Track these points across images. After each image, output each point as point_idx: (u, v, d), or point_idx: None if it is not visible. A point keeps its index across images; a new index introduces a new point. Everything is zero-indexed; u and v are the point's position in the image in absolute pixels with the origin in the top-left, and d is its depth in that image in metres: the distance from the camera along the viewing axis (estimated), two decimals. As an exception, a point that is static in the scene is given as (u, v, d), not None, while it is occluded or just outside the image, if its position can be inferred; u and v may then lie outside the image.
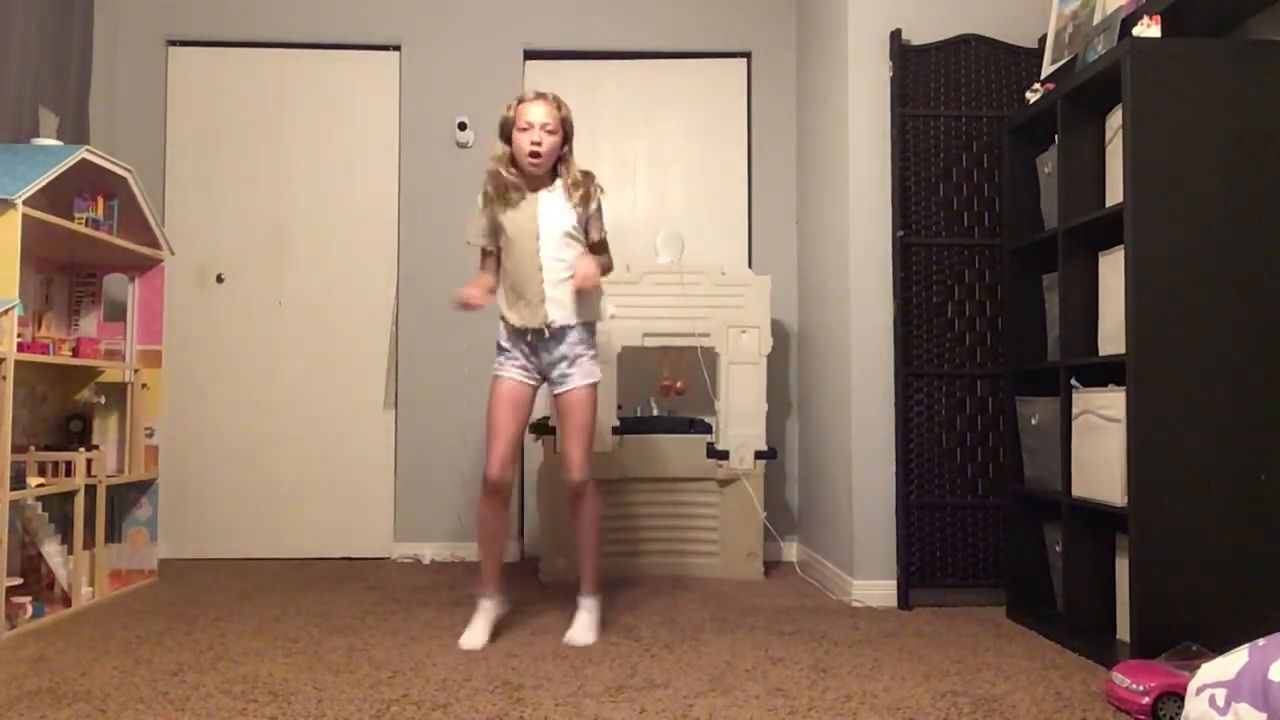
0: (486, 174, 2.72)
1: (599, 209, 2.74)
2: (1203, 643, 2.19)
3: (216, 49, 4.21)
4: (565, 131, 2.70)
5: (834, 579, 3.45)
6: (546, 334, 2.67)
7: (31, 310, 3.25)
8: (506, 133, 2.69)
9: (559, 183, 2.71)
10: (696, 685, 2.27)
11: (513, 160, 2.70)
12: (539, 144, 2.63)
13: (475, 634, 2.64)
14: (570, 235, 2.68)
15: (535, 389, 2.77)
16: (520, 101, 2.68)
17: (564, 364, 2.70)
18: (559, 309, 2.66)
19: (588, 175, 2.73)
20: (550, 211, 2.68)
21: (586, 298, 2.71)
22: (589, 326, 2.75)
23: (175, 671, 2.35)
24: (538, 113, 2.64)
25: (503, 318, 2.74)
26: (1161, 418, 2.37)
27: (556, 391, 2.74)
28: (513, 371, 2.72)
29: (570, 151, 2.73)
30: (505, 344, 2.75)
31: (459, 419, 4.13)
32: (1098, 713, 2.09)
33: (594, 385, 2.74)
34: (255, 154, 4.20)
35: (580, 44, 4.26)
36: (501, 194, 2.69)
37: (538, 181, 2.71)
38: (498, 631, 2.74)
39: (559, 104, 2.69)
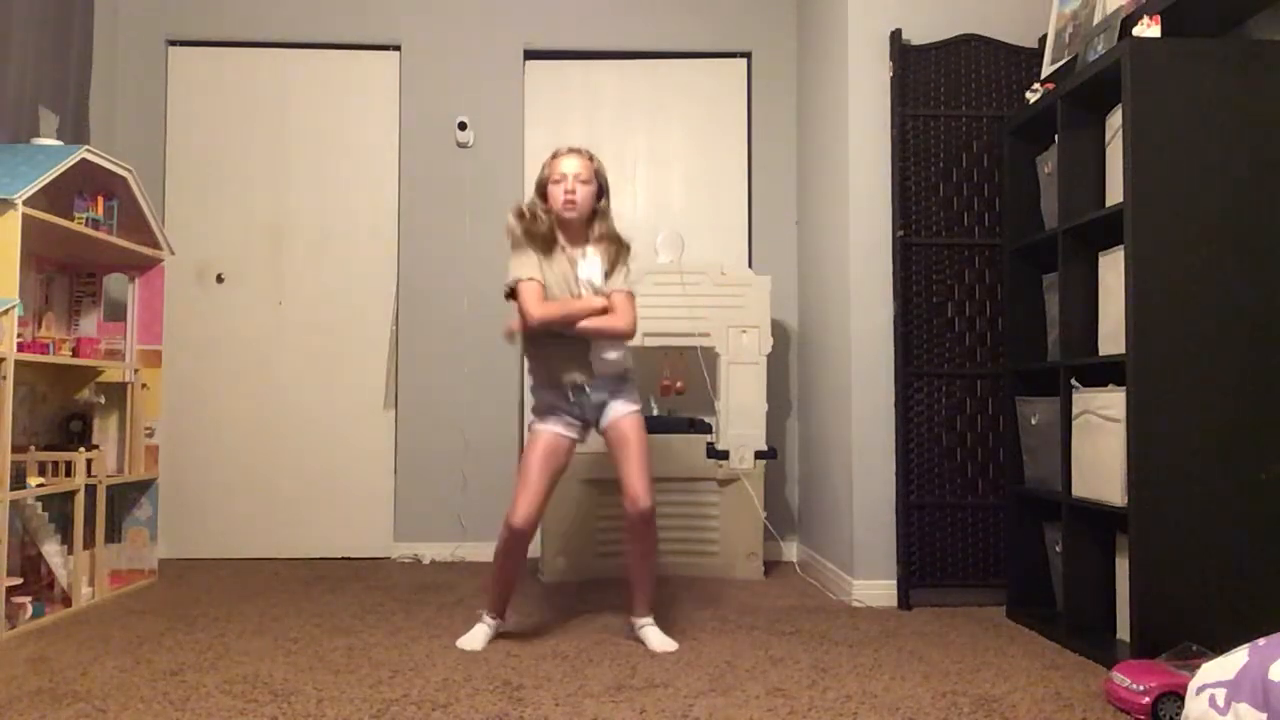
0: (516, 223, 2.67)
1: (623, 269, 2.71)
2: (1203, 643, 2.19)
3: (216, 49, 4.21)
4: (599, 183, 2.70)
5: (834, 579, 3.45)
6: (585, 390, 2.65)
7: (31, 310, 3.25)
8: (542, 188, 2.70)
9: (593, 239, 2.70)
10: (696, 685, 2.27)
11: (548, 211, 2.69)
12: (573, 192, 2.64)
13: (475, 640, 2.64)
14: (601, 292, 2.67)
15: (576, 442, 2.71)
16: (554, 156, 2.69)
17: (604, 403, 2.67)
18: (595, 363, 2.64)
19: (624, 246, 2.72)
20: (587, 269, 2.68)
21: (613, 352, 2.68)
22: (624, 373, 2.73)
23: (175, 671, 2.35)
24: (571, 165, 2.66)
25: (539, 384, 2.69)
26: (1161, 418, 2.37)
27: (603, 427, 2.70)
28: (554, 425, 2.67)
29: (607, 205, 2.73)
30: (543, 406, 2.68)
31: (459, 419, 4.13)
32: (1098, 713, 2.09)
33: (638, 412, 2.70)
34: (255, 154, 4.20)
35: (580, 44, 4.26)
36: (539, 243, 2.65)
37: (574, 236, 2.70)
38: (498, 631, 2.74)
39: (591, 157, 2.71)
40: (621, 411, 2.67)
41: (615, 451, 2.68)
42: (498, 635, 2.70)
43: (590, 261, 2.69)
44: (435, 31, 4.22)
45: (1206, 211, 2.39)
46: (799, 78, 4.19)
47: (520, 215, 2.68)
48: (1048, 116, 2.88)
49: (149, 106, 4.16)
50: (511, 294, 2.65)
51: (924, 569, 3.21)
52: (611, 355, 2.67)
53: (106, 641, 2.64)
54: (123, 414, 3.45)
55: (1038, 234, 2.99)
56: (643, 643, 2.64)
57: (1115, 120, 2.60)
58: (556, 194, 2.65)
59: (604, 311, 2.63)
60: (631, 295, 2.71)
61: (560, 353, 2.65)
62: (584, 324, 2.62)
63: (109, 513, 3.32)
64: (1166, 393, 2.37)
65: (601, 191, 2.72)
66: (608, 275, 2.69)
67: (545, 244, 2.65)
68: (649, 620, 2.70)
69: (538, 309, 2.60)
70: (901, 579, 3.18)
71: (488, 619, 2.69)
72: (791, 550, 4.08)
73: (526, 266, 2.63)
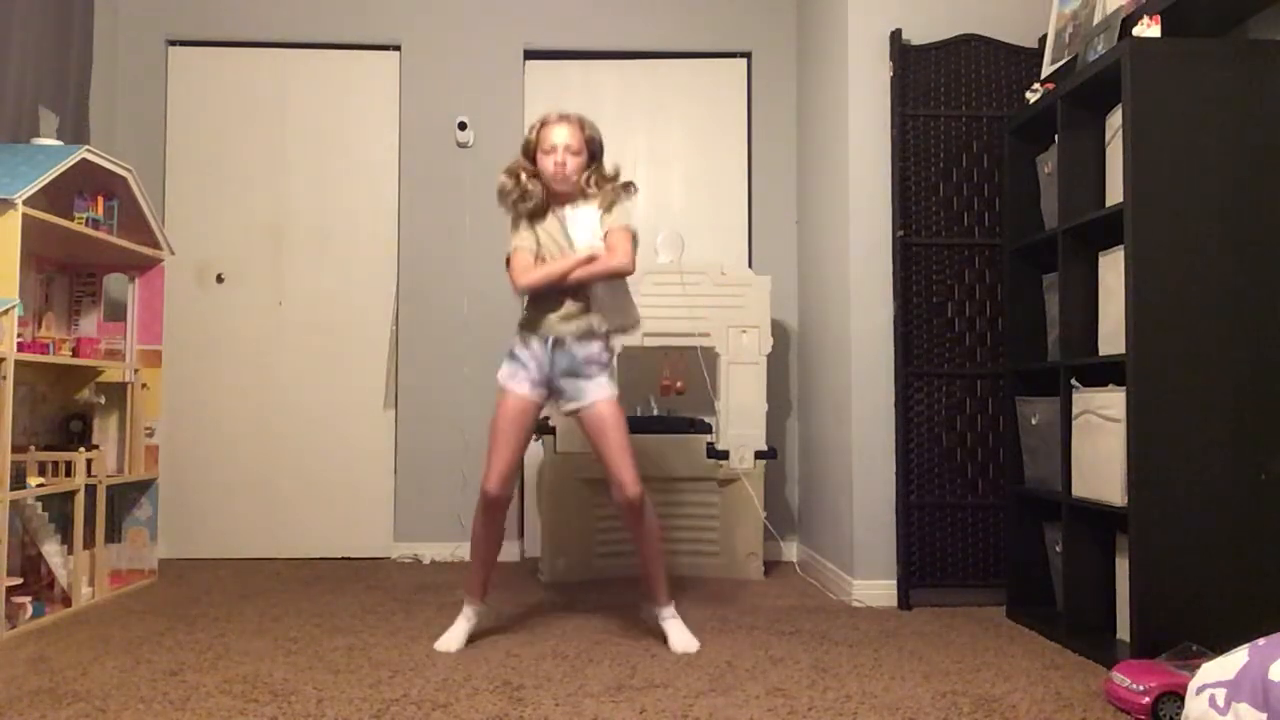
0: (504, 189, 2.65)
1: (618, 206, 2.65)
2: (1203, 643, 2.19)
3: (216, 49, 4.21)
4: (591, 151, 2.66)
5: (834, 579, 3.45)
6: (567, 343, 2.62)
7: (31, 310, 3.25)
8: (530, 154, 2.66)
9: (588, 195, 2.66)
10: (696, 685, 2.27)
11: (536, 175, 2.66)
12: (563, 165, 2.61)
13: (453, 639, 2.60)
14: (599, 245, 2.64)
15: (542, 404, 2.70)
16: (544, 124, 2.64)
17: (575, 378, 2.62)
18: (587, 320, 2.62)
19: (619, 186, 2.67)
20: (579, 224, 2.65)
21: (616, 302, 2.66)
22: (606, 339, 2.68)
23: (175, 671, 2.35)
24: (561, 135, 2.61)
25: (525, 327, 2.67)
26: (1161, 418, 2.37)
27: (571, 408, 2.64)
28: (522, 386, 2.64)
29: (600, 167, 2.69)
30: (519, 352, 2.66)
31: (459, 419, 4.13)
32: (1098, 713, 2.09)
33: (614, 399, 2.64)
34: (255, 154, 4.20)
35: (580, 44, 4.26)
36: (527, 209, 2.64)
37: (564, 196, 2.67)
38: (498, 631, 2.75)
39: (583, 125, 2.65)
40: (596, 395, 2.62)
41: (595, 439, 2.64)
42: (498, 635, 2.70)
43: (583, 215, 2.65)
44: (435, 31, 4.22)
45: (1206, 211, 2.40)
46: (799, 78, 4.19)
47: (513, 181, 2.64)
48: (1048, 116, 2.88)
49: (149, 106, 4.16)
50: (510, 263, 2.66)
51: (924, 569, 3.21)
52: (603, 309, 2.63)
53: (106, 641, 2.64)
54: (123, 414, 3.45)
55: (1038, 234, 2.99)
56: (665, 635, 2.62)
57: (1115, 120, 2.60)
58: (546, 165, 2.62)
59: (592, 260, 2.59)
60: (628, 229, 2.64)
61: (550, 302, 2.62)
62: (579, 273, 2.59)
63: (109, 513, 3.32)
64: (1166, 393, 2.37)
65: (594, 158, 2.68)
66: (603, 217, 2.64)
67: (536, 211, 2.64)
68: (671, 610, 2.67)
69: (523, 277, 2.60)
70: (901, 579, 3.18)
71: (468, 609, 2.66)
72: (791, 550, 4.08)
73: (516, 235, 2.64)
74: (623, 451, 2.61)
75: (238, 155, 4.19)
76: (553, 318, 2.63)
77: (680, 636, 2.61)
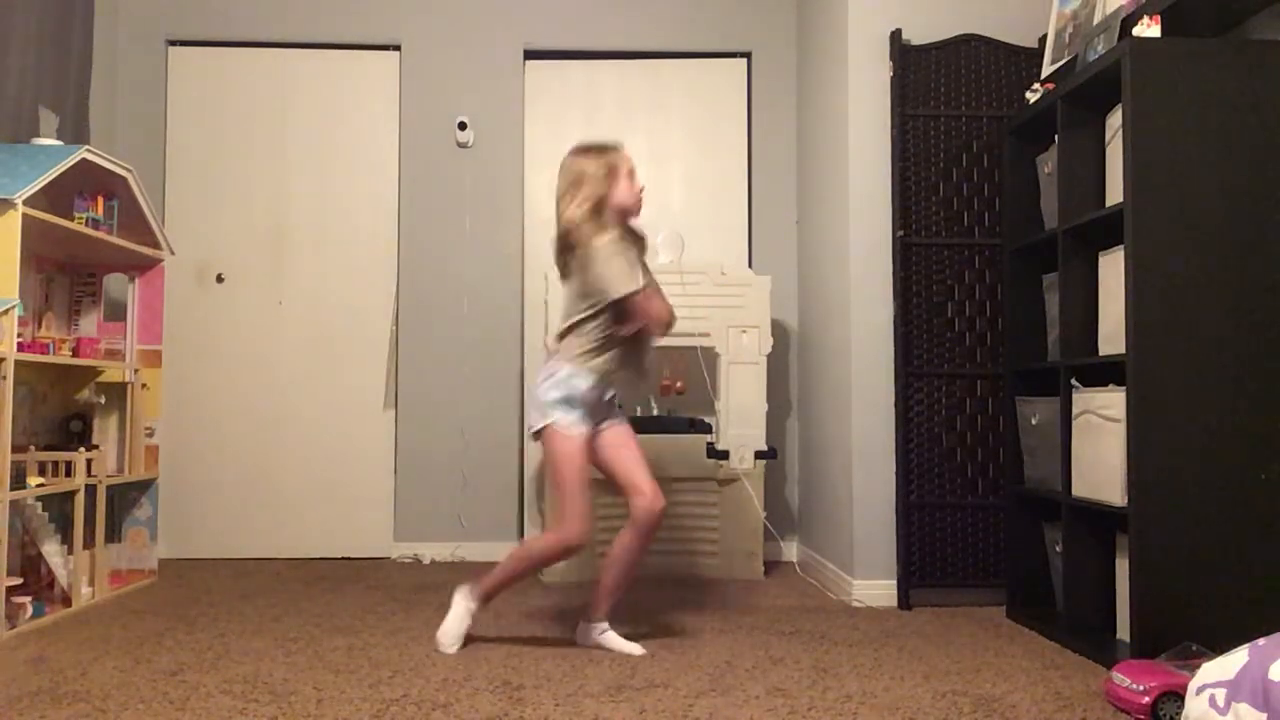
0: (600, 210, 2.54)
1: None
2: (1203, 643, 2.19)
3: (216, 49, 4.21)
4: None
5: (834, 579, 3.45)
6: (609, 389, 2.64)
7: (31, 310, 3.25)
8: (590, 184, 2.55)
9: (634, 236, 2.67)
10: (696, 685, 2.27)
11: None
12: (641, 193, 2.62)
13: (452, 627, 2.58)
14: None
15: None
16: (616, 152, 2.59)
17: (610, 407, 2.66)
18: (639, 363, 2.68)
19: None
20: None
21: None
22: None
23: (175, 671, 2.35)
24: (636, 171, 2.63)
25: (594, 367, 2.57)
26: (1161, 418, 2.37)
27: (599, 429, 2.63)
28: (584, 427, 2.56)
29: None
30: (578, 402, 2.54)
31: (459, 419, 4.13)
32: (1098, 713, 2.09)
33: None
34: (255, 154, 4.20)
35: (580, 44, 4.26)
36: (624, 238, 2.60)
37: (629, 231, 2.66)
38: (498, 632, 2.74)
39: None
40: (616, 416, 2.67)
41: (619, 452, 2.62)
42: (497, 636, 2.70)
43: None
44: (435, 31, 4.22)
45: (1206, 211, 2.39)
46: (799, 78, 4.19)
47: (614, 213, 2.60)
48: (1048, 116, 2.88)
49: (149, 106, 4.16)
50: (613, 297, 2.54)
51: (924, 569, 3.21)
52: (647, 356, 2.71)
53: (106, 641, 2.64)
54: (123, 414, 3.45)
55: (1038, 234, 2.99)
56: (605, 649, 2.56)
57: (1115, 120, 2.60)
58: (634, 190, 2.58)
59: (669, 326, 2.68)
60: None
61: (629, 350, 2.62)
62: (658, 330, 2.66)
63: (109, 513, 3.32)
64: (1166, 393, 2.37)
65: None
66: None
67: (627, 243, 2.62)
68: (603, 625, 2.61)
69: (633, 288, 2.52)
70: (901, 579, 3.18)
71: (471, 602, 2.61)
72: (791, 550, 4.08)
73: (618, 243, 2.55)
74: (643, 463, 2.62)
75: (238, 155, 4.19)
76: (620, 365, 2.60)
77: (626, 643, 2.56)
